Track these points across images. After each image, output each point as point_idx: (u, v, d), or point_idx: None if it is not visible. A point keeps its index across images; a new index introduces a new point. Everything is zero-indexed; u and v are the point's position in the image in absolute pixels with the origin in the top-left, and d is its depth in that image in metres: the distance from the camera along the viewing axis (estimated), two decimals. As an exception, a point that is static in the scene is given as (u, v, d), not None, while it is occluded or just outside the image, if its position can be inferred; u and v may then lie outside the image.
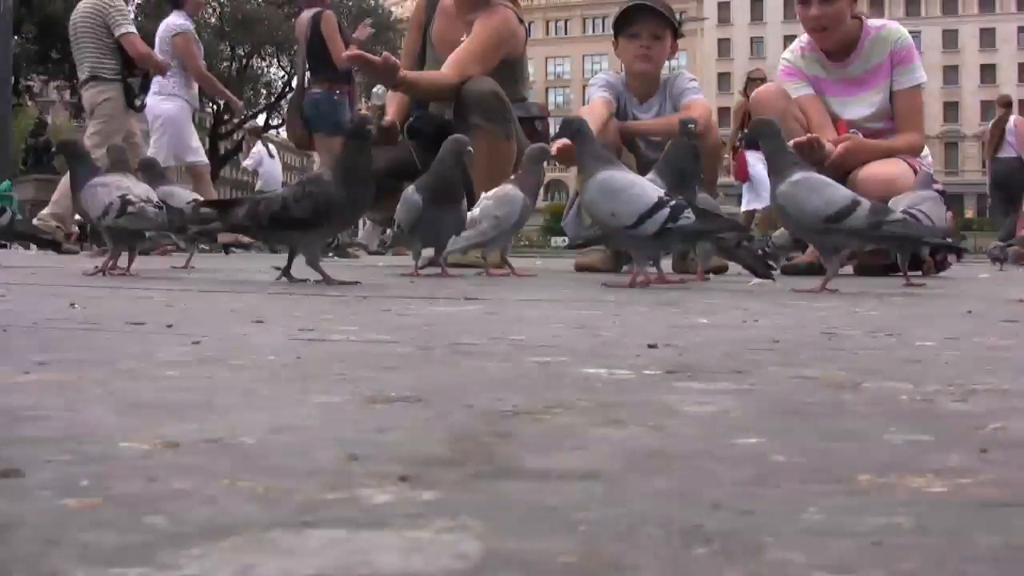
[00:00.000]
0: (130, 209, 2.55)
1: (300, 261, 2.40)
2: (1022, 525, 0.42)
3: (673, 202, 2.32)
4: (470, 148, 2.91)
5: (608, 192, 2.34)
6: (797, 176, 2.30)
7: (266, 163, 11.78)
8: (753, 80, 7.22)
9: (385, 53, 3.39)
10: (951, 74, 52.88)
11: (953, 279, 3.39)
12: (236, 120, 33.85)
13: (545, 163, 3.19)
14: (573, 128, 2.46)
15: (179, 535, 0.38)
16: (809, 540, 0.38)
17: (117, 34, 5.79)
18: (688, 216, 2.32)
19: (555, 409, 0.68)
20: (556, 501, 0.44)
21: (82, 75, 6.02)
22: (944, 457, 0.54)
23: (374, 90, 5.09)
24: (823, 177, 2.40)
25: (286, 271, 2.43)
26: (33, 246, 5.18)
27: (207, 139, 37.58)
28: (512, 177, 3.14)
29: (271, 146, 12.36)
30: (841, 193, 2.36)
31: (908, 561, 0.36)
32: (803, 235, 2.60)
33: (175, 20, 6.26)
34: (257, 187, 11.75)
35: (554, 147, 3.20)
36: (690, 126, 2.76)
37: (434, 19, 4.18)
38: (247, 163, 12.15)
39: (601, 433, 0.60)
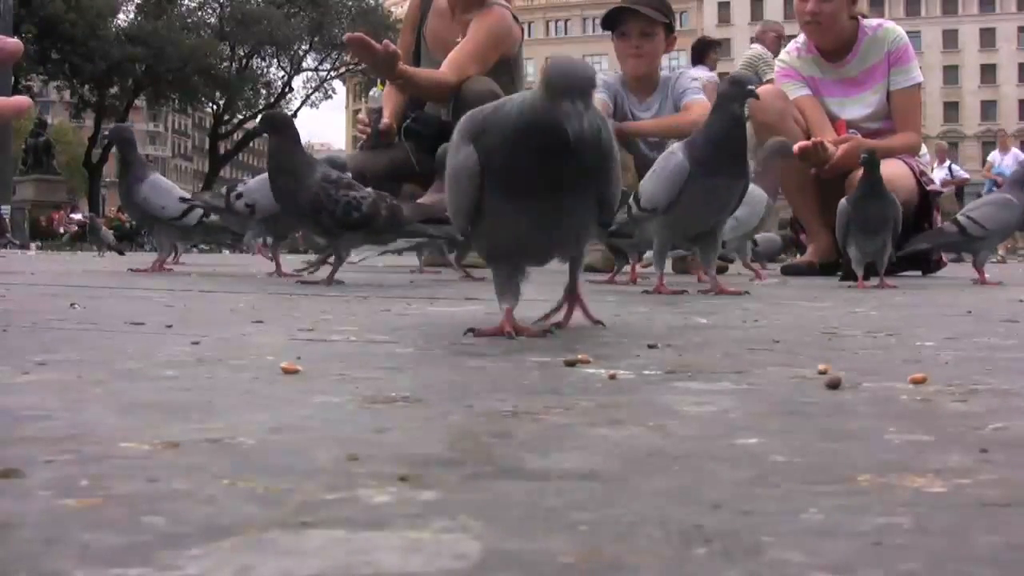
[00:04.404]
0: None
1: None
2: (1022, 525, 0.42)
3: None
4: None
5: (160, 190, 3.24)
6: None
7: None
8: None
9: (386, 41, 3.33)
10: (951, 74, 52.83)
11: (953, 279, 3.39)
12: (235, 120, 33.87)
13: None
14: None
15: (179, 535, 0.38)
16: (809, 540, 0.38)
17: (764, 79, 6.20)
18: (213, 215, 3.22)
19: (555, 409, 0.68)
20: (556, 501, 0.44)
21: None
22: (944, 457, 0.54)
23: (371, 92, 5.10)
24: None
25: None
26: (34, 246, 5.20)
27: (207, 139, 37.58)
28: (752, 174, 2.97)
29: None
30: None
31: (908, 561, 0.36)
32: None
33: (702, 72, 6.88)
34: None
35: None
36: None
37: (428, 18, 4.17)
38: None
39: (601, 433, 0.60)
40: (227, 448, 0.54)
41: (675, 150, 2.21)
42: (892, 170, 3.56)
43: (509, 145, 1.11)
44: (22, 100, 0.97)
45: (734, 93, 2.11)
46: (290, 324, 1.37)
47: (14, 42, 0.92)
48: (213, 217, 3.29)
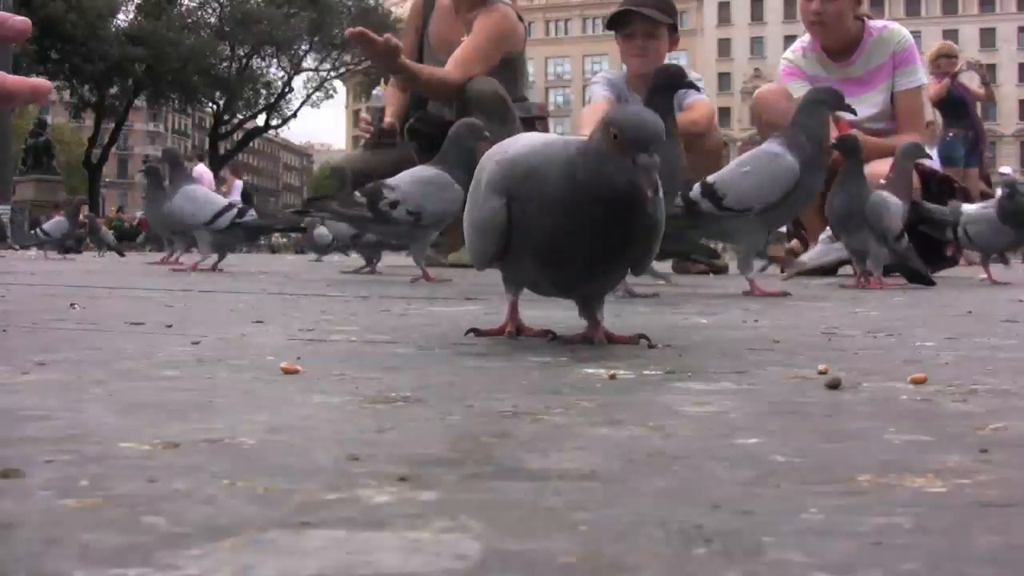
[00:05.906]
0: None
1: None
2: (1022, 525, 0.42)
3: (241, 205, 3.62)
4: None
5: (190, 199, 3.46)
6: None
7: None
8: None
9: (387, 35, 3.33)
10: (951, 74, 52.79)
11: (953, 279, 3.39)
12: (235, 120, 33.86)
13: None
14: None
15: (179, 535, 0.38)
16: (809, 540, 0.38)
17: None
18: (252, 215, 3.50)
19: (555, 409, 0.68)
20: (556, 501, 0.44)
21: None
22: (944, 457, 0.54)
23: (373, 92, 5.10)
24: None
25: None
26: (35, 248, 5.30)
27: (207, 139, 37.56)
28: (882, 181, 2.80)
29: None
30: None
31: (908, 561, 0.36)
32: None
33: None
34: None
35: None
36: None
37: (431, 20, 4.17)
38: None
39: (601, 433, 0.60)
40: (227, 448, 0.54)
41: (778, 151, 2.18)
42: (893, 169, 3.56)
43: (553, 203, 0.98)
44: (41, 83, 0.91)
45: (827, 99, 2.28)
46: (290, 324, 1.37)
47: (22, 20, 0.88)
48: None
